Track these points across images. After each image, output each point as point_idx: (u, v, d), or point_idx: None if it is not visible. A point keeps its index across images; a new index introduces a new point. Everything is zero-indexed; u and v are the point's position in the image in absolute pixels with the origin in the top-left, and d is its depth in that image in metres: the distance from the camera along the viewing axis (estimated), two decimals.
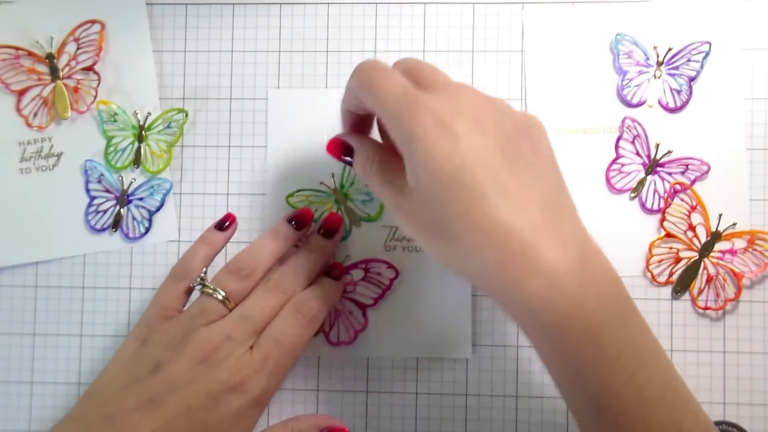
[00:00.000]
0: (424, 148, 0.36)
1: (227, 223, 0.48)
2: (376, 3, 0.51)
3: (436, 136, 0.36)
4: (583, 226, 0.39)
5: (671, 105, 0.49)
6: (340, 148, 0.44)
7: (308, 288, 0.46)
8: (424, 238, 0.39)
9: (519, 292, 0.36)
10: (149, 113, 0.51)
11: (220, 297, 0.44)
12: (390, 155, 0.41)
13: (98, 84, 0.51)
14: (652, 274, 0.48)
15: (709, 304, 0.48)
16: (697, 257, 0.48)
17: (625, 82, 0.49)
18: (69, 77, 0.51)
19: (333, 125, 0.50)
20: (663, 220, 0.48)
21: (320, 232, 0.47)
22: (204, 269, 0.46)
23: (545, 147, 0.39)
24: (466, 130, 0.37)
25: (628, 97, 0.49)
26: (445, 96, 0.38)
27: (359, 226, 0.50)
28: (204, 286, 0.44)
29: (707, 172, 0.48)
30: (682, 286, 0.48)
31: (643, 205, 0.49)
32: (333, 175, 0.50)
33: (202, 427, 0.40)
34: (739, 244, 0.48)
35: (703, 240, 0.48)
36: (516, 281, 0.36)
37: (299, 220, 0.47)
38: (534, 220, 0.36)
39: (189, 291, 0.46)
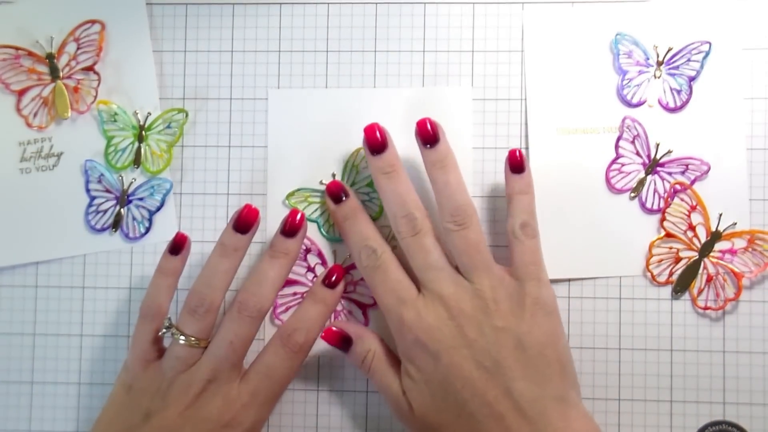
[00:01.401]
0: (412, 363, 0.43)
1: (180, 247, 0.46)
2: (376, 3, 0.51)
3: (420, 355, 0.43)
4: (569, 412, 0.42)
5: (671, 105, 0.49)
6: (338, 339, 0.46)
7: (294, 315, 0.46)
8: None
9: None
10: (149, 113, 0.51)
11: (189, 342, 0.44)
12: (390, 353, 0.46)
13: (98, 84, 0.51)
14: (652, 274, 0.48)
15: (708, 304, 0.48)
16: (697, 257, 0.48)
17: (625, 82, 0.49)
18: (69, 77, 0.51)
19: (333, 125, 0.50)
20: (663, 220, 0.48)
21: (282, 233, 0.46)
22: (171, 301, 0.46)
23: (535, 336, 0.42)
24: (445, 346, 0.42)
25: (628, 97, 0.49)
26: (430, 305, 0.43)
27: None
28: (172, 333, 0.44)
29: (707, 172, 0.48)
30: (682, 286, 0.48)
31: (643, 205, 0.49)
32: (333, 175, 0.50)
33: None
34: (739, 244, 0.48)
35: (703, 240, 0.48)
36: None
37: (242, 224, 0.45)
38: (509, 428, 0.40)
39: (161, 338, 0.46)
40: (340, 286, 0.47)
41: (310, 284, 0.49)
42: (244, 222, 0.45)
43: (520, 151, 0.46)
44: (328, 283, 0.47)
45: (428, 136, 0.45)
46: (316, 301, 0.46)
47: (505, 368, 0.41)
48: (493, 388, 0.41)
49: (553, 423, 0.40)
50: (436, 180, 0.45)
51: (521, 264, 0.44)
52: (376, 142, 0.45)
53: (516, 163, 0.45)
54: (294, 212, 0.46)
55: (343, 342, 0.46)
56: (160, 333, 0.45)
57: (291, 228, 0.46)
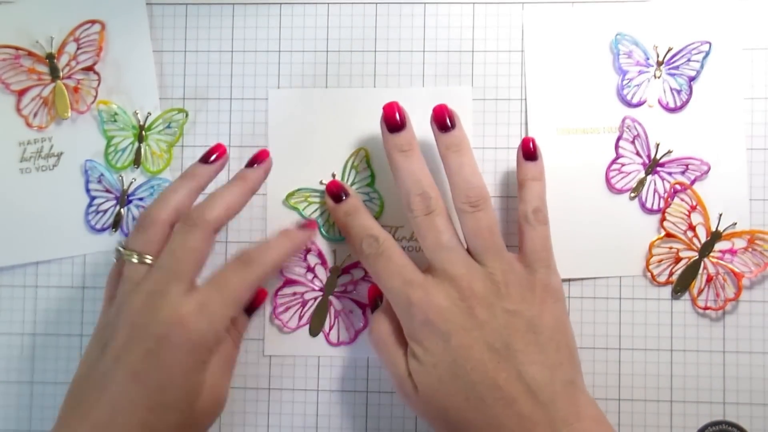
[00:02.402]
0: (420, 345, 0.42)
1: (215, 157, 0.46)
2: (376, 3, 0.51)
3: (429, 335, 0.42)
4: (579, 397, 0.42)
5: (671, 105, 0.49)
6: (371, 298, 0.48)
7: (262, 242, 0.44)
8: (432, 424, 0.43)
9: None
10: (149, 113, 0.51)
11: (134, 259, 0.42)
12: (400, 331, 0.44)
13: (98, 84, 0.51)
14: (652, 274, 0.48)
15: (709, 304, 0.48)
16: (697, 257, 0.48)
17: (625, 82, 0.49)
18: (69, 77, 0.51)
19: (333, 125, 0.50)
20: (663, 220, 0.48)
21: (202, 161, 0.46)
22: (119, 242, 0.44)
23: (546, 321, 0.42)
24: (456, 327, 0.41)
25: (628, 97, 0.49)
26: (440, 285, 0.43)
27: None
28: (121, 254, 0.43)
29: (707, 172, 0.48)
30: (682, 286, 0.48)
31: (643, 205, 0.49)
32: (333, 175, 0.50)
33: (156, 388, 0.39)
34: (739, 244, 0.48)
35: (703, 240, 0.48)
36: None
37: (212, 154, 0.46)
38: (521, 411, 0.40)
39: (121, 264, 0.44)
40: (265, 164, 0.46)
41: (311, 284, 0.49)
42: (211, 153, 0.46)
43: (533, 140, 0.46)
44: (205, 159, 0.46)
45: (444, 121, 0.45)
46: (281, 235, 0.46)
47: (516, 351, 0.41)
48: (504, 371, 0.40)
49: (565, 407, 0.40)
50: (450, 163, 0.45)
51: (532, 250, 0.44)
52: (394, 120, 0.45)
53: (529, 151, 0.46)
54: (261, 151, 0.47)
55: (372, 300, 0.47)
56: (114, 259, 0.44)
57: (255, 159, 0.47)
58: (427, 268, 0.44)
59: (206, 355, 0.41)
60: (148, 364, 0.39)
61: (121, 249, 0.43)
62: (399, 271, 0.43)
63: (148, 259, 0.42)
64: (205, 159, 0.46)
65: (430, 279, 0.43)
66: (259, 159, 0.46)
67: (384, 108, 0.45)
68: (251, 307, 0.47)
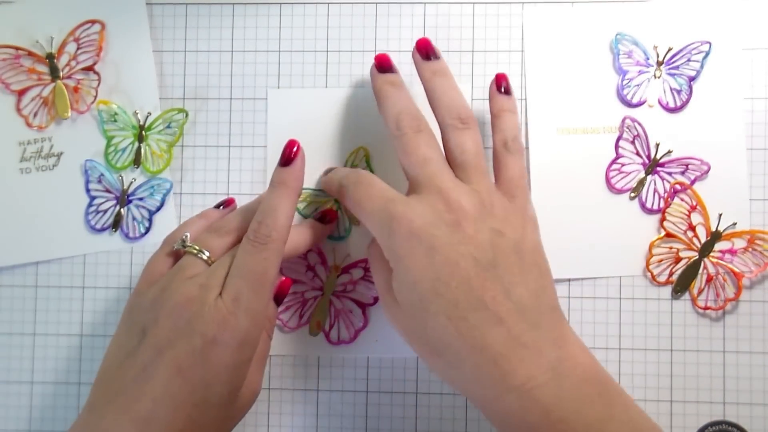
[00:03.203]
0: (400, 262, 0.39)
1: (224, 205, 0.48)
2: (376, 3, 0.51)
3: (411, 250, 0.39)
4: (564, 323, 0.40)
5: (671, 105, 0.49)
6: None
7: (259, 208, 0.43)
8: (410, 343, 0.41)
9: (495, 406, 0.38)
10: (149, 113, 0.51)
11: (195, 251, 0.42)
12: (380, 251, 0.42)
13: (98, 84, 0.51)
14: (652, 274, 0.48)
15: (709, 304, 0.48)
16: (697, 257, 0.48)
17: (625, 82, 0.49)
18: (69, 77, 0.51)
19: (332, 125, 0.50)
20: (663, 220, 0.48)
21: (281, 165, 0.45)
22: (186, 234, 0.44)
23: (529, 244, 0.41)
24: (441, 241, 0.39)
25: (628, 97, 0.49)
26: (426, 200, 0.40)
27: (358, 225, 0.50)
28: (185, 244, 0.43)
29: (707, 172, 0.48)
30: (682, 286, 0.48)
31: (643, 205, 0.49)
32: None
33: (199, 384, 0.39)
34: (739, 244, 0.48)
35: (703, 240, 0.48)
36: (492, 396, 0.38)
37: (286, 158, 0.45)
38: (509, 331, 0.37)
39: (175, 256, 0.44)
40: (299, 162, 0.44)
41: (311, 283, 0.49)
42: (287, 156, 0.44)
43: (506, 77, 0.46)
44: (285, 160, 0.44)
45: (431, 49, 0.45)
46: (275, 186, 0.44)
47: (503, 270, 0.39)
48: (491, 290, 0.38)
49: (551, 331, 0.38)
50: (437, 86, 0.44)
51: (511, 178, 0.43)
52: (388, 63, 0.46)
53: (504, 84, 0.46)
54: (291, 143, 0.45)
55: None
56: (175, 246, 0.44)
57: (287, 159, 0.44)
58: (408, 190, 0.43)
59: (250, 351, 0.41)
60: (193, 360, 0.39)
61: (190, 243, 0.43)
62: (380, 194, 0.42)
63: (210, 259, 0.42)
64: (283, 164, 0.45)
65: (415, 196, 0.41)
66: (290, 154, 0.44)
67: (376, 56, 0.46)
68: (278, 297, 0.45)
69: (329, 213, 0.48)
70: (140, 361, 0.39)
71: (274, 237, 0.42)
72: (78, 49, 0.51)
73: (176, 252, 0.44)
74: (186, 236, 0.44)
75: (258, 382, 0.43)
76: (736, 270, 0.48)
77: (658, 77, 0.49)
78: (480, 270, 0.39)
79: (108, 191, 0.51)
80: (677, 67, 0.49)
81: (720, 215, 0.48)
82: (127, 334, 0.41)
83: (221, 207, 0.48)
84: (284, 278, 0.45)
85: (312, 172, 0.50)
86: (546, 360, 0.37)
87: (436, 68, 0.45)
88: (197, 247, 0.43)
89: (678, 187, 0.48)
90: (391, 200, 0.41)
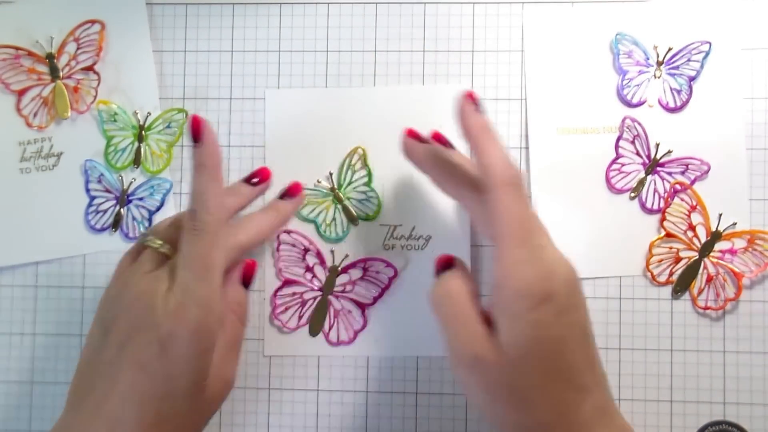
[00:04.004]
0: (526, 312, 0.37)
1: (257, 179, 0.47)
2: (376, 3, 0.51)
3: (538, 308, 0.37)
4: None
5: (671, 105, 0.49)
6: (442, 262, 0.43)
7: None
8: (492, 398, 0.38)
9: None
10: (149, 113, 0.51)
11: (155, 244, 0.42)
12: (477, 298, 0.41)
13: (98, 84, 0.51)
14: (652, 274, 0.48)
15: (709, 304, 0.48)
16: (697, 257, 0.48)
17: (625, 82, 0.49)
18: (69, 77, 0.51)
19: (330, 125, 0.50)
20: (663, 219, 0.48)
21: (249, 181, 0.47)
22: (149, 228, 0.44)
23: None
24: (567, 303, 0.37)
25: (628, 97, 0.49)
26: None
27: (357, 225, 0.50)
28: (145, 237, 0.43)
29: (707, 172, 0.48)
30: (682, 286, 0.48)
31: (643, 205, 0.49)
32: (330, 174, 0.50)
33: (161, 378, 0.39)
34: (739, 243, 0.48)
35: (703, 240, 0.48)
36: None
37: (257, 176, 0.47)
38: (596, 403, 0.37)
39: (140, 251, 0.43)
40: (208, 137, 0.42)
41: (310, 284, 0.49)
42: (256, 176, 0.47)
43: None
44: (193, 139, 0.43)
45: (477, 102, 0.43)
46: (195, 170, 0.42)
47: (592, 341, 0.39)
48: (587, 359, 0.38)
49: (615, 409, 0.39)
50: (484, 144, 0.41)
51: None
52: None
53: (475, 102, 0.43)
54: (194, 120, 0.42)
55: (445, 264, 0.43)
56: (138, 241, 0.43)
57: (195, 137, 0.42)
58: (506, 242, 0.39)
59: (209, 342, 0.40)
60: (151, 355, 0.39)
61: (150, 236, 0.43)
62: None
63: (169, 252, 0.42)
64: (248, 180, 0.47)
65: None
66: (195, 132, 0.42)
67: (467, 94, 0.43)
68: (245, 280, 0.45)
69: (294, 188, 0.48)
70: (106, 358, 0.39)
71: (209, 221, 0.41)
72: (78, 49, 0.51)
73: (140, 247, 0.43)
74: (149, 230, 0.44)
75: (230, 370, 0.43)
76: (736, 270, 0.48)
77: (658, 77, 0.49)
78: (587, 337, 0.39)
79: (108, 191, 0.51)
80: (677, 67, 0.49)
81: (720, 215, 0.48)
82: (94, 332, 0.41)
83: (253, 180, 0.47)
84: (249, 260, 0.45)
85: (310, 171, 0.50)
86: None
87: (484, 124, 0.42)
88: (158, 242, 0.42)
89: (678, 187, 0.48)
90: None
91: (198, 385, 0.40)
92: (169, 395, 0.39)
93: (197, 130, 0.42)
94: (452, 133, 0.49)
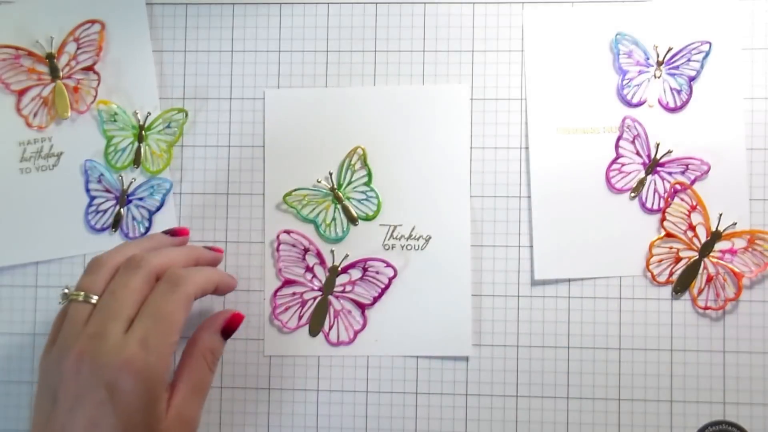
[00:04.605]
0: None
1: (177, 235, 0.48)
2: (376, 3, 0.51)
3: None
4: None
5: (671, 105, 0.49)
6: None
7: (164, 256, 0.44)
8: None
9: None
10: (149, 113, 0.51)
11: (80, 298, 0.41)
12: None
13: (98, 84, 0.51)
14: (652, 273, 0.48)
15: (709, 304, 0.48)
16: (697, 257, 0.48)
17: (625, 82, 0.49)
18: (69, 77, 0.51)
19: (329, 125, 0.50)
20: (663, 219, 0.48)
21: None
22: (66, 286, 0.44)
23: None
24: None
25: (628, 97, 0.49)
26: None
27: (357, 225, 0.50)
28: (65, 294, 0.43)
29: (707, 172, 0.48)
30: (682, 285, 0.48)
31: (643, 205, 0.49)
32: (330, 174, 0.50)
33: (118, 429, 0.39)
34: (739, 243, 0.48)
35: (703, 240, 0.48)
36: None
37: (171, 232, 0.47)
38: None
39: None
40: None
41: (310, 284, 0.49)
42: (171, 232, 0.48)
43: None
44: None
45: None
46: (172, 242, 0.47)
47: None
48: None
49: None
50: None
51: None
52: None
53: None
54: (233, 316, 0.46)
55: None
56: (59, 302, 0.43)
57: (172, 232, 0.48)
58: None
59: (160, 388, 0.40)
60: (103, 411, 0.39)
61: (67, 290, 0.42)
62: None
63: (93, 299, 0.41)
64: (170, 233, 0.47)
65: None
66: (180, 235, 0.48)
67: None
68: (227, 331, 0.45)
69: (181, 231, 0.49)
70: (58, 425, 0.39)
71: (190, 281, 0.42)
72: (78, 49, 0.51)
73: (65, 306, 0.43)
74: (66, 288, 0.43)
75: (192, 412, 0.42)
76: (736, 270, 0.48)
77: (658, 77, 0.49)
78: None
79: (108, 191, 0.51)
80: (677, 67, 0.49)
81: (720, 215, 0.48)
82: (42, 399, 0.41)
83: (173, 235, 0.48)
84: (235, 312, 0.45)
85: (310, 171, 0.50)
86: None
87: None
88: (81, 294, 0.42)
89: (678, 187, 0.48)
90: None
91: (153, 429, 0.40)
92: None
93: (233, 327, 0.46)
94: (451, 132, 0.49)
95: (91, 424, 0.38)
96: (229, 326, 0.45)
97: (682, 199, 0.48)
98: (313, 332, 0.49)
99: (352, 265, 0.49)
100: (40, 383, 0.42)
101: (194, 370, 0.43)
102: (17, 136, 0.51)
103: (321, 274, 0.49)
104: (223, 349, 0.45)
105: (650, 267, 0.48)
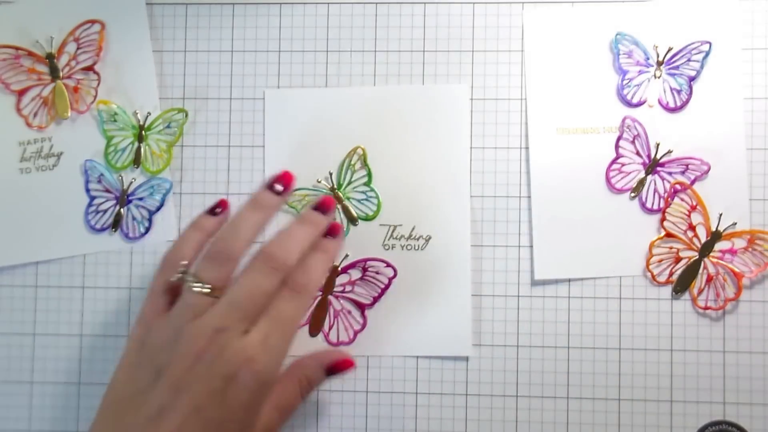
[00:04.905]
0: None
1: (219, 209, 0.47)
2: (376, 3, 0.51)
3: None
4: None
5: (671, 105, 0.49)
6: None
7: (300, 264, 0.43)
8: None
9: None
10: (149, 113, 0.51)
11: (203, 290, 0.42)
12: None
13: (98, 84, 0.51)
14: (652, 273, 0.48)
15: (709, 304, 0.48)
16: (697, 257, 0.48)
17: (625, 82, 0.49)
18: (69, 77, 0.51)
19: (330, 124, 0.50)
20: (663, 219, 0.48)
21: (314, 209, 0.45)
22: (196, 257, 0.44)
23: None
24: None
25: (628, 97, 0.49)
26: None
27: (357, 225, 0.50)
28: (186, 279, 0.42)
29: (707, 172, 0.48)
30: (682, 285, 0.48)
31: (643, 205, 0.49)
32: (330, 174, 0.50)
33: (216, 423, 0.39)
34: (739, 243, 0.48)
35: (703, 240, 0.48)
36: None
37: (280, 182, 0.45)
38: None
39: (176, 286, 0.44)
40: (331, 214, 0.45)
41: None
42: (279, 181, 0.45)
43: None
44: (319, 207, 0.45)
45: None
46: (317, 250, 0.44)
47: None
48: None
49: None
50: None
51: None
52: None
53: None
54: (327, 198, 0.45)
55: None
56: (173, 279, 0.43)
57: (323, 207, 0.45)
58: None
59: (268, 392, 0.41)
60: (211, 401, 0.39)
61: (190, 278, 0.42)
62: None
63: (215, 293, 0.42)
64: (270, 186, 0.45)
65: None
66: (329, 205, 0.45)
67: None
68: (332, 371, 0.46)
69: (329, 202, 0.46)
70: (156, 401, 0.39)
71: (314, 290, 0.44)
72: (78, 49, 0.51)
73: (176, 286, 0.43)
74: (184, 267, 0.43)
75: (274, 430, 0.44)
76: (736, 270, 0.48)
77: (658, 77, 0.49)
78: None
79: (108, 191, 0.51)
80: (677, 67, 0.49)
81: (720, 215, 0.48)
82: (140, 370, 0.41)
83: (215, 210, 0.47)
84: (349, 358, 0.46)
85: (310, 171, 0.50)
86: None
87: None
88: (199, 284, 0.42)
89: (678, 186, 0.48)
90: None
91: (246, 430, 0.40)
92: None
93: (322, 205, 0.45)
94: (451, 132, 0.49)
95: (195, 409, 0.39)
96: (337, 368, 0.46)
97: (682, 199, 0.48)
98: (313, 332, 0.49)
99: (352, 265, 0.49)
100: (136, 352, 0.42)
101: (287, 391, 0.44)
102: (17, 136, 0.51)
103: None
104: (321, 384, 0.46)
105: (650, 267, 0.48)
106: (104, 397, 0.42)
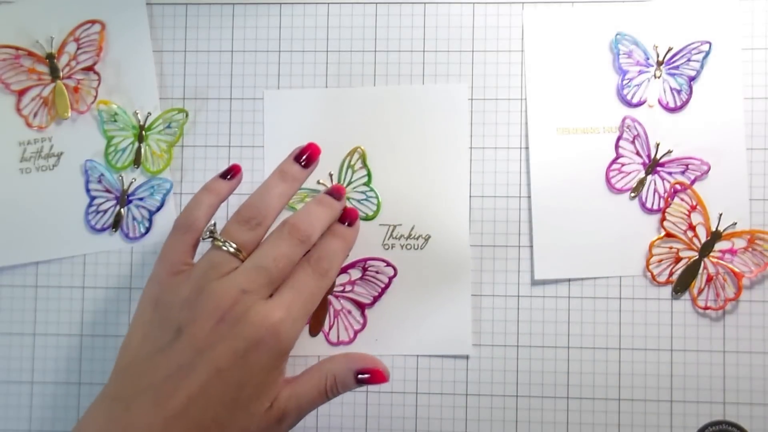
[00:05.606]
0: None
1: (231, 174, 0.46)
2: (376, 3, 0.51)
3: None
4: None
5: (671, 105, 0.49)
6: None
7: (320, 242, 0.44)
8: None
9: None
10: (149, 113, 0.51)
11: (231, 249, 0.41)
12: None
13: (98, 84, 0.51)
14: (652, 273, 0.48)
15: (709, 304, 0.48)
16: (697, 257, 0.48)
17: (625, 82, 0.49)
18: (69, 77, 0.51)
19: (329, 125, 0.50)
20: (663, 219, 0.48)
21: (327, 194, 0.46)
22: (210, 220, 0.44)
23: None
24: None
25: (628, 97, 0.49)
26: None
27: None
28: (214, 238, 0.42)
29: (707, 172, 0.48)
30: (682, 285, 0.48)
31: (643, 205, 0.49)
32: (331, 174, 0.50)
33: (235, 385, 0.39)
34: (739, 243, 0.48)
35: (703, 240, 0.48)
36: None
37: (307, 156, 0.45)
38: None
39: (196, 243, 0.44)
40: (344, 200, 0.46)
41: None
42: (305, 154, 0.45)
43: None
44: (335, 193, 0.46)
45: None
46: (336, 236, 0.45)
47: None
48: None
49: None
50: None
51: None
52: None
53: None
54: (337, 187, 0.46)
55: None
56: (202, 237, 0.43)
57: (335, 191, 0.46)
58: None
59: (286, 359, 0.41)
60: (233, 362, 0.39)
61: (218, 236, 0.42)
62: None
63: (242, 255, 0.42)
64: (297, 159, 0.46)
65: None
66: (341, 192, 0.47)
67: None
68: (362, 377, 0.43)
69: (338, 188, 0.47)
70: (176, 359, 0.39)
71: (335, 272, 0.44)
72: (78, 49, 0.51)
73: (197, 240, 0.44)
74: (214, 226, 0.44)
75: (289, 416, 0.42)
76: (736, 270, 0.48)
77: (658, 77, 0.49)
78: None
79: (108, 191, 0.51)
80: (677, 67, 0.49)
81: (720, 215, 0.48)
82: (158, 329, 0.41)
83: (228, 176, 0.46)
84: (382, 371, 0.43)
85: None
86: None
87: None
88: (228, 242, 0.42)
89: (678, 186, 0.48)
90: None
91: (261, 401, 0.40)
92: (233, 402, 0.39)
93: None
94: (450, 132, 0.49)
95: (217, 370, 0.39)
96: (366, 374, 0.43)
97: (682, 199, 0.48)
98: (313, 332, 0.49)
99: (351, 265, 0.49)
100: (152, 309, 0.42)
101: (309, 383, 0.43)
102: (17, 136, 0.51)
103: None
104: (349, 388, 0.44)
105: (650, 267, 0.48)
106: (118, 358, 0.41)
